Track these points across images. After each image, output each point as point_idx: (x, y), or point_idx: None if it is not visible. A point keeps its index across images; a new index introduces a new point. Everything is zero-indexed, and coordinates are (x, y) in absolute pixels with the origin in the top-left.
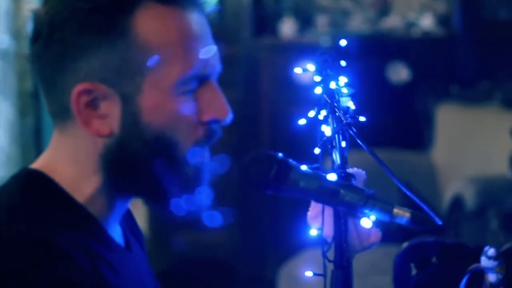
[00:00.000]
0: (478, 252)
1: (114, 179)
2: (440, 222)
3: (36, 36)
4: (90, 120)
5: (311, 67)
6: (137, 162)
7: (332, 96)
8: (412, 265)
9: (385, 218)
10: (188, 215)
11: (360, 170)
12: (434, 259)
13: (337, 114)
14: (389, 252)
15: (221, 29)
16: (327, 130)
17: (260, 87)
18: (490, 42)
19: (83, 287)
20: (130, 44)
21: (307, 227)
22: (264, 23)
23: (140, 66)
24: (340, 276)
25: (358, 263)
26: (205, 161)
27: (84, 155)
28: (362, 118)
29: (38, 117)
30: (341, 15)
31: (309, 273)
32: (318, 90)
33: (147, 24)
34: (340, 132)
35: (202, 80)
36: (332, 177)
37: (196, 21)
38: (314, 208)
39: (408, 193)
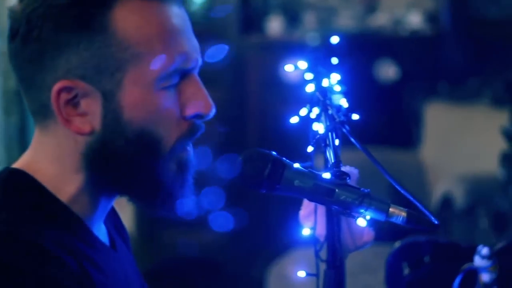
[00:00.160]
0: (471, 252)
1: (97, 178)
2: (436, 222)
3: (14, 34)
4: (71, 118)
5: (302, 64)
6: (119, 159)
7: (324, 94)
8: (405, 264)
9: (380, 217)
10: (174, 213)
11: (352, 168)
12: (427, 259)
13: (329, 112)
14: (379, 251)
15: (207, 27)
16: (320, 128)
17: (247, 86)
18: (478, 39)
19: (69, 287)
20: (109, 39)
21: (298, 226)
22: (251, 21)
23: (120, 62)
24: (333, 276)
25: (349, 262)
26: (189, 157)
27: (66, 154)
28: (355, 116)
29: (23, 116)
30: (329, 12)
31: (302, 273)
32: (310, 88)
33: (126, 19)
34: (334, 130)
35: (183, 74)
36: (326, 176)
37: (176, 14)
38: (307, 207)
39: (403, 192)
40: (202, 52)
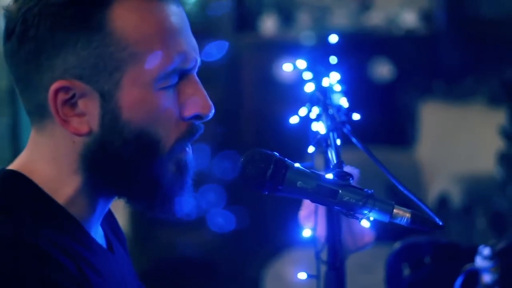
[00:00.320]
0: (472, 252)
1: (95, 179)
2: (440, 223)
3: (9, 34)
4: (68, 119)
5: (301, 63)
6: (118, 160)
7: (324, 94)
8: (405, 265)
9: (384, 218)
10: (173, 215)
11: (353, 168)
12: (427, 259)
13: (330, 111)
14: (377, 251)
15: (201, 26)
16: (320, 128)
17: (242, 85)
18: (473, 38)
19: None
20: (107, 39)
21: (298, 226)
22: (246, 20)
23: (118, 62)
24: (333, 277)
25: (346, 262)
26: (188, 158)
27: (63, 155)
28: (356, 116)
29: (15, 116)
30: (323, 11)
31: (302, 275)
32: (309, 88)
33: (124, 17)
34: (335, 130)
35: (182, 74)
36: (329, 176)
37: (174, 13)
38: (307, 208)
39: (406, 192)
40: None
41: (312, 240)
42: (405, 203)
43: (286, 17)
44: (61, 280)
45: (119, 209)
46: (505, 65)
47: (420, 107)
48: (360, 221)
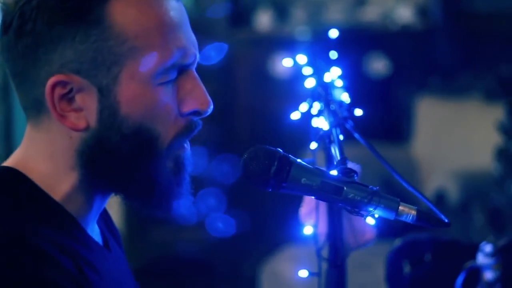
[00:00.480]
0: (473, 249)
1: (92, 175)
2: (446, 220)
3: (6, 28)
4: (66, 114)
5: (301, 58)
6: (115, 156)
7: (326, 89)
8: (406, 262)
9: (390, 216)
10: (171, 214)
11: (354, 164)
12: (428, 257)
13: (332, 107)
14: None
15: (196, 22)
16: (324, 124)
17: (236, 81)
18: (469, 33)
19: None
20: (105, 33)
21: (299, 224)
22: (240, 16)
23: (117, 56)
24: (334, 275)
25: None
26: (186, 154)
27: (60, 151)
28: (358, 111)
29: (8, 112)
30: (318, 6)
31: (304, 273)
32: (309, 83)
33: (123, 11)
34: (338, 126)
35: (181, 70)
36: (333, 173)
37: (174, 7)
38: (307, 205)
39: (411, 189)
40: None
41: (313, 237)
42: (402, 199)
43: (281, 13)
44: (60, 279)
45: (113, 206)
46: (501, 60)
47: (416, 103)
48: (365, 219)
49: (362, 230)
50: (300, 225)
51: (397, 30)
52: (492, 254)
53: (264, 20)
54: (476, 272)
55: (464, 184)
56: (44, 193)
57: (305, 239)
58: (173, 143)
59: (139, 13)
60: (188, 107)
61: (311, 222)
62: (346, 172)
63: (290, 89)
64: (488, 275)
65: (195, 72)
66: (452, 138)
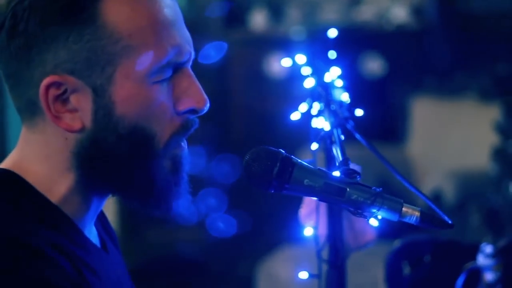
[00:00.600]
0: (472, 250)
1: (89, 177)
2: (450, 221)
3: None
4: (60, 115)
5: (300, 58)
6: (112, 157)
7: (326, 89)
8: (405, 263)
9: (393, 217)
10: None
11: (354, 164)
12: (427, 258)
13: (332, 107)
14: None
15: (190, 21)
16: (324, 124)
17: (231, 81)
18: (465, 33)
19: None
20: (99, 32)
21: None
22: (235, 15)
23: (110, 56)
24: (335, 276)
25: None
26: (183, 153)
27: (55, 152)
28: (359, 112)
29: (1, 115)
30: (313, 6)
31: (304, 274)
32: (309, 83)
33: (116, 10)
34: (339, 126)
35: (176, 67)
36: (336, 174)
37: (168, 5)
38: (307, 206)
39: (414, 190)
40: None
41: (314, 238)
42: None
43: (276, 12)
44: (60, 280)
45: (108, 207)
46: (496, 60)
47: (411, 103)
48: (368, 220)
49: (362, 231)
50: (299, 226)
51: (392, 30)
52: (493, 255)
53: (259, 20)
54: (476, 273)
55: (460, 184)
56: (40, 195)
57: (305, 240)
58: (170, 142)
59: (132, 11)
60: (184, 106)
61: (311, 223)
62: (349, 173)
63: (285, 89)
64: (489, 276)
65: (190, 70)
66: (447, 138)
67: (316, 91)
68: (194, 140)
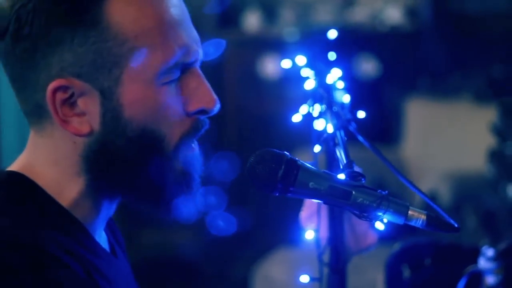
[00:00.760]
0: (473, 253)
1: (98, 180)
2: (456, 224)
3: (3, 33)
4: (68, 119)
5: (300, 60)
6: (121, 160)
7: (328, 91)
8: (405, 266)
9: (399, 220)
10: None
11: (356, 167)
12: (427, 261)
13: (335, 109)
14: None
15: None
16: (327, 126)
17: (225, 82)
18: (459, 34)
19: None
20: (104, 34)
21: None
22: (228, 16)
23: (117, 57)
24: (336, 280)
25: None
26: (194, 155)
27: (64, 156)
28: (361, 113)
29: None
30: (306, 7)
31: (305, 278)
32: (309, 85)
33: (121, 11)
34: (342, 128)
35: (185, 68)
36: (341, 177)
37: (174, 4)
38: (308, 208)
39: (419, 193)
40: None
41: (315, 242)
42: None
43: (269, 14)
44: (69, 283)
45: None
46: (491, 61)
47: (405, 104)
48: (373, 223)
49: (363, 234)
50: (299, 229)
51: (386, 31)
52: (494, 258)
53: (252, 21)
54: (477, 276)
55: (456, 186)
56: (52, 199)
57: (305, 243)
58: (180, 144)
59: (138, 12)
60: (194, 106)
61: (311, 226)
62: (354, 176)
63: (279, 90)
64: (490, 279)
65: (199, 70)
66: (442, 140)
67: (317, 92)
68: None
